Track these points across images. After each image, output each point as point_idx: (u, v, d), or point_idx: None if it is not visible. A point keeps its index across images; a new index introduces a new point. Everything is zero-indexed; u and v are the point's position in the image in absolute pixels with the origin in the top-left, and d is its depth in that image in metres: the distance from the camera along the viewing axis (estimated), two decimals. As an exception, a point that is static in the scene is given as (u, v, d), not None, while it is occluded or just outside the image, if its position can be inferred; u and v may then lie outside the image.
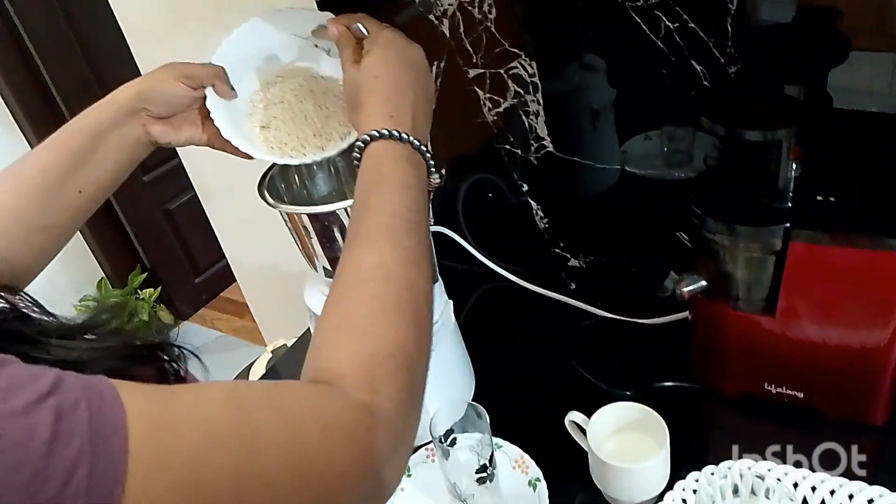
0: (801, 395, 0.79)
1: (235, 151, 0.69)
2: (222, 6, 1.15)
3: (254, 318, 2.48)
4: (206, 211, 1.55)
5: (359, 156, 0.55)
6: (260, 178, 0.76)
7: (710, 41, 0.75)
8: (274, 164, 0.77)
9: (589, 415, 0.76)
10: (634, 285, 0.99)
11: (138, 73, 1.37)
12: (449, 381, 0.86)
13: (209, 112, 0.67)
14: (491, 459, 0.71)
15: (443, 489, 0.75)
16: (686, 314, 0.90)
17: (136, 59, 1.36)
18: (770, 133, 0.67)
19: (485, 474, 0.71)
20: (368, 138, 0.54)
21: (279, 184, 0.78)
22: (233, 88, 0.70)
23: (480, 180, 1.05)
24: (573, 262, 1.04)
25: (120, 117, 0.65)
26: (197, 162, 1.50)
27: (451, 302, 0.85)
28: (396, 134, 0.53)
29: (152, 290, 2.26)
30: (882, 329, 0.70)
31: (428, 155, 0.55)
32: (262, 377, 1.33)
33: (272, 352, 1.36)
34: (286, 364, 1.12)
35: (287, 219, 0.74)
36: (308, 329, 1.10)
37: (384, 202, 0.51)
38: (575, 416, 0.78)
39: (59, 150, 0.64)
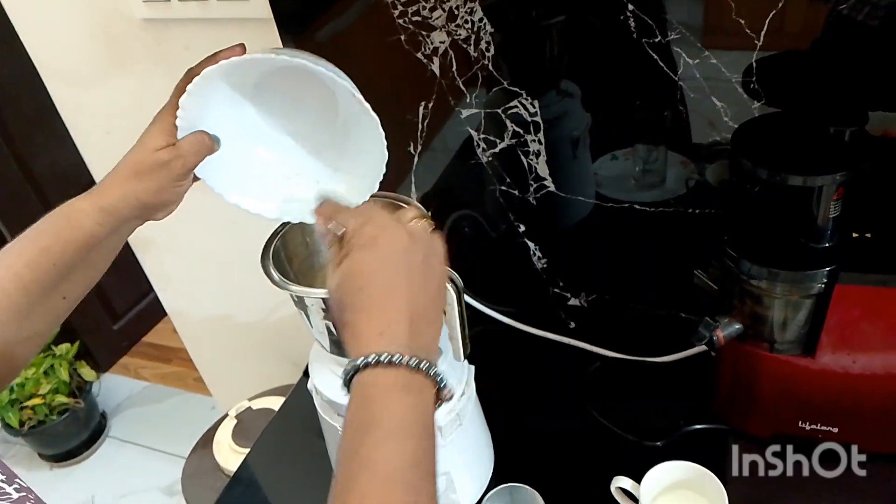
0: (835, 430, 0.78)
1: None
2: (163, 45, 1.02)
3: (183, 363, 2.31)
4: (140, 260, 1.39)
5: (346, 388, 0.46)
6: (263, 249, 0.66)
7: (733, 77, 0.72)
8: (277, 233, 0.68)
9: (624, 472, 0.72)
10: (642, 324, 0.96)
11: (52, 107, 1.20)
12: (476, 457, 0.80)
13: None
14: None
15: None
16: (696, 350, 0.87)
17: (56, 105, 1.19)
18: (817, 178, 0.64)
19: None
20: (352, 369, 0.45)
21: (282, 254, 0.68)
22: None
23: (473, 222, 0.99)
24: (573, 302, 0.99)
25: (118, 226, 0.57)
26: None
27: (472, 367, 0.78)
28: (386, 358, 0.44)
29: (69, 344, 2.03)
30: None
31: (433, 371, 0.46)
32: (230, 444, 1.21)
33: (236, 416, 1.24)
34: (276, 433, 0.98)
35: (297, 299, 0.65)
36: (293, 390, 0.99)
37: (378, 458, 0.41)
38: (622, 481, 0.72)
39: (44, 266, 0.54)
